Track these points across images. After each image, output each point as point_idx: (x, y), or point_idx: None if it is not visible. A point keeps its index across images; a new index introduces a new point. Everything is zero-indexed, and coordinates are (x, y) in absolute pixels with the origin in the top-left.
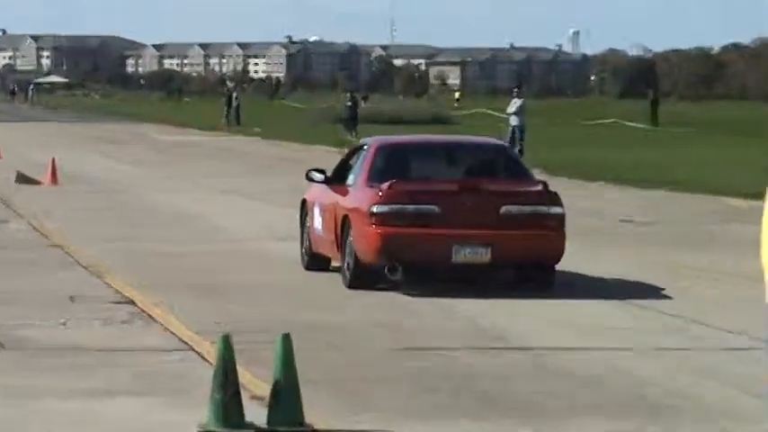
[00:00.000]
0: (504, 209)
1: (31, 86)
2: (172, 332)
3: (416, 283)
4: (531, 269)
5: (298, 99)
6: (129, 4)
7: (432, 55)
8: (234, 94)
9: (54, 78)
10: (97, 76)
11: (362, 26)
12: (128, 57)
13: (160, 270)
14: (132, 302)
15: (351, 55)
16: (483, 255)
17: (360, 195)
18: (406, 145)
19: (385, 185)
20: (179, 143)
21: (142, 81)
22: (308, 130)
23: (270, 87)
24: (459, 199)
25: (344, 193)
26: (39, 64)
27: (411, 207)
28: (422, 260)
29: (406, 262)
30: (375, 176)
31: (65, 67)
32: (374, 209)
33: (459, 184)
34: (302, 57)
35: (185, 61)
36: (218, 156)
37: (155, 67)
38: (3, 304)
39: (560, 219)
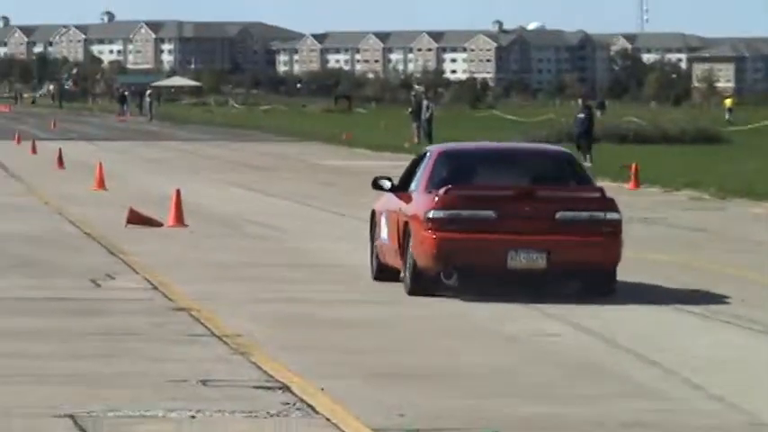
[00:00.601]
0: (559, 214)
1: (148, 92)
2: (341, 429)
3: (473, 288)
4: (592, 277)
5: (511, 108)
6: None
7: (695, 48)
8: (424, 103)
9: (178, 81)
10: (237, 77)
11: (600, 8)
12: (278, 51)
13: (324, 345)
14: (286, 388)
15: (583, 48)
16: (539, 260)
17: (418, 202)
18: (467, 152)
19: (441, 191)
20: (349, 170)
21: (298, 84)
22: None
23: (473, 92)
24: (515, 205)
25: (408, 200)
26: (158, 61)
27: (466, 212)
28: (477, 265)
29: (461, 267)
30: (434, 183)
31: (193, 66)
32: (430, 214)
33: (514, 190)
34: (517, 51)
35: (357, 57)
36: None
37: (315, 65)
38: (115, 388)
39: (617, 225)
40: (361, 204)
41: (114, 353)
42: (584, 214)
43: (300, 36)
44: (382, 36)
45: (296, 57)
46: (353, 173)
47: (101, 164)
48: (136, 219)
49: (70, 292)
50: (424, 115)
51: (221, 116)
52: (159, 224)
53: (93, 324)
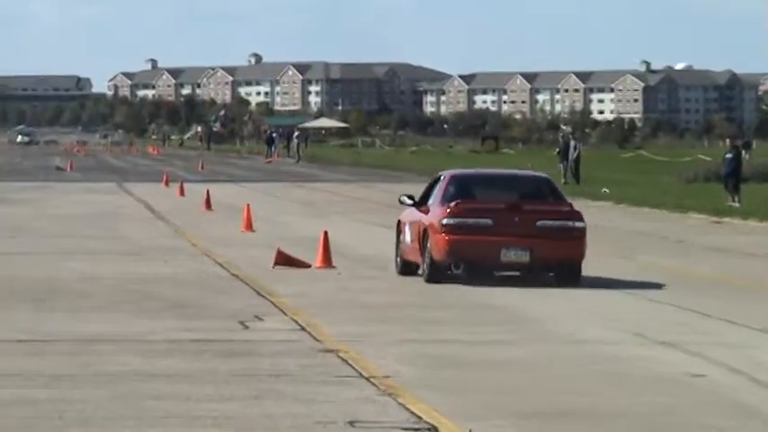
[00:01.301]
0: (539, 222)
1: (296, 134)
2: None
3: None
4: (562, 270)
5: (658, 148)
6: (421, 23)
7: None
8: (572, 143)
9: (326, 122)
10: (384, 118)
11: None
12: (425, 92)
13: (472, 385)
14: (434, 429)
15: (732, 88)
16: (524, 256)
17: (435, 212)
18: (471, 175)
19: (452, 204)
20: None
21: (445, 125)
22: (674, 191)
23: (620, 132)
24: (506, 215)
25: (426, 212)
26: (305, 102)
27: (470, 220)
28: (478, 259)
29: (466, 261)
30: (447, 198)
31: (340, 107)
32: (444, 221)
33: (506, 204)
34: (665, 90)
35: (504, 98)
36: None
37: (462, 106)
38: (263, 429)
39: (582, 231)
40: None
41: (262, 394)
42: (558, 223)
43: (447, 77)
44: (529, 77)
45: (443, 97)
46: None
47: (248, 205)
48: (284, 260)
49: (219, 333)
50: (572, 155)
51: (369, 157)
52: (307, 265)
53: (241, 366)
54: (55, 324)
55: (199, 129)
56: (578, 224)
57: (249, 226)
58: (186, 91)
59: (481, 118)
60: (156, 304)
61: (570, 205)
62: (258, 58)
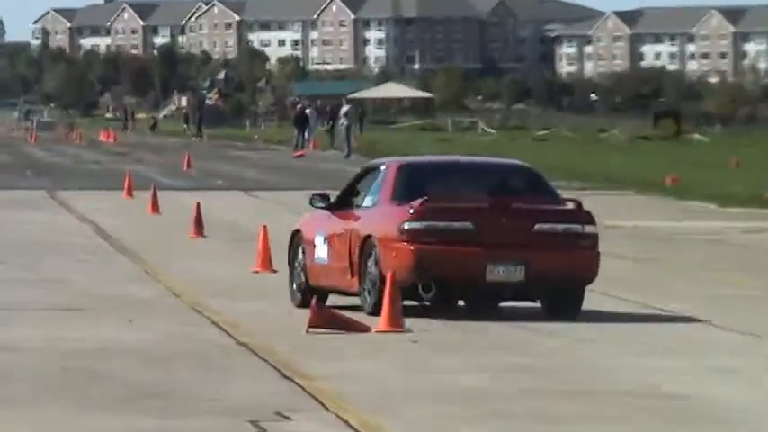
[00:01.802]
0: (537, 226)
1: (344, 110)
2: None
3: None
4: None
5: None
6: None
7: None
8: None
9: (394, 90)
10: (489, 83)
11: None
12: (557, 39)
13: None
14: None
15: None
16: (517, 273)
17: (386, 215)
18: (427, 164)
19: (417, 203)
20: (677, 236)
21: (593, 95)
22: None
23: None
24: (491, 216)
25: (356, 218)
26: (359, 57)
27: (443, 224)
28: (456, 278)
29: (439, 280)
30: (399, 196)
31: (417, 66)
32: (406, 226)
33: (491, 203)
34: None
35: (690, 48)
36: None
37: (620, 64)
38: None
39: (594, 238)
40: (708, 297)
41: None
42: (563, 227)
43: (596, 15)
44: (731, 13)
45: (588, 49)
46: (684, 241)
47: (265, 228)
48: (324, 320)
49: None
50: None
51: (465, 147)
52: (363, 328)
53: None
54: None
55: (183, 101)
56: (589, 229)
57: (266, 264)
58: (162, 39)
59: (652, 82)
60: (111, 392)
61: (577, 203)
62: None
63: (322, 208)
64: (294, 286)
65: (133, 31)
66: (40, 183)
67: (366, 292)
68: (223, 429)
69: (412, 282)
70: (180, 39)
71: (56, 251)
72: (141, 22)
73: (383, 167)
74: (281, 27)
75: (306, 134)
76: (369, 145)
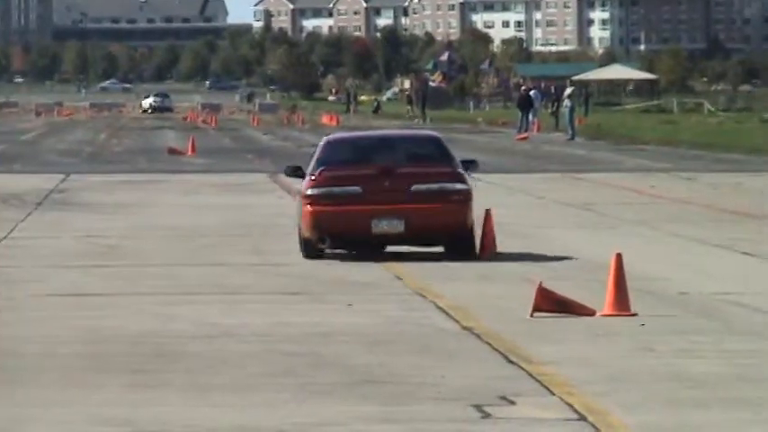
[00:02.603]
0: (414, 187)
1: (567, 92)
2: None
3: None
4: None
5: None
6: None
7: None
8: None
9: (620, 72)
10: (716, 63)
11: None
12: None
13: None
14: None
15: None
16: (398, 226)
17: (303, 183)
18: (348, 139)
19: (316, 172)
20: None
21: None
22: None
23: None
24: (377, 180)
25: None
26: (582, 38)
27: (336, 189)
28: (347, 232)
29: (333, 234)
30: (317, 166)
31: (642, 47)
32: (308, 192)
33: (377, 168)
34: None
35: None
36: None
37: None
38: None
39: (466, 194)
40: None
41: None
42: (435, 186)
43: None
44: None
45: None
46: None
47: (488, 212)
48: (549, 303)
49: (442, 426)
50: None
51: (691, 131)
52: (588, 312)
53: None
54: (165, 411)
55: (406, 84)
56: (459, 186)
57: (490, 245)
58: (385, 20)
59: None
60: (335, 377)
61: (453, 167)
62: None
63: (292, 176)
64: (299, 238)
65: (356, 13)
66: (261, 165)
67: (300, 241)
68: (446, 414)
69: (313, 236)
70: (403, 20)
71: (278, 235)
72: (364, 4)
73: (320, 142)
74: (505, 8)
75: (530, 116)
76: (593, 127)
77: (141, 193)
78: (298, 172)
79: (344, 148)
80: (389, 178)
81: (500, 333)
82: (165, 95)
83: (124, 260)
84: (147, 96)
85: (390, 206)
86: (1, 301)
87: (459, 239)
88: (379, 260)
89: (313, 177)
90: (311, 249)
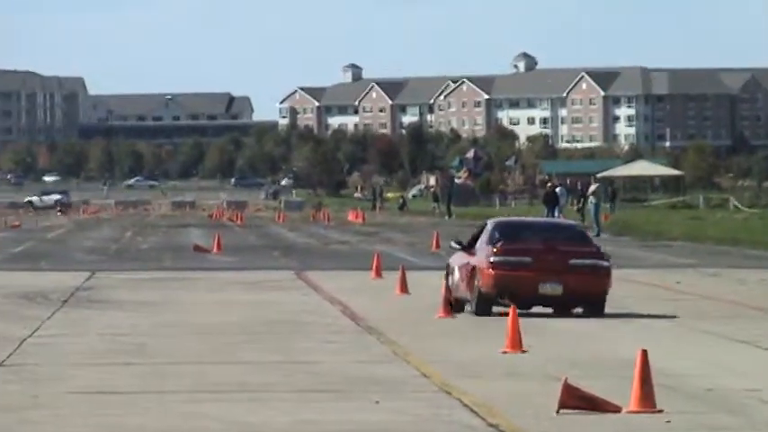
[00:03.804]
0: (572, 261)
1: (592, 188)
2: None
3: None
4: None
5: None
6: None
7: None
8: None
9: (647, 168)
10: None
11: None
12: None
13: None
14: None
15: None
16: (557, 289)
17: (483, 252)
18: (514, 222)
19: (498, 245)
20: None
21: None
22: None
23: None
24: (543, 254)
25: (473, 254)
26: (608, 134)
27: (513, 258)
28: (520, 291)
29: (510, 292)
30: (493, 241)
31: (667, 143)
32: (491, 259)
33: (543, 245)
34: None
35: None
36: None
37: None
38: None
39: (608, 270)
40: None
41: None
42: (587, 261)
43: None
44: None
45: None
46: None
47: (514, 309)
48: (575, 400)
49: None
50: None
51: (717, 227)
52: (615, 408)
53: None
54: None
55: (432, 181)
56: (604, 263)
57: (516, 342)
58: (410, 117)
59: None
60: None
61: (597, 249)
62: (530, 61)
63: (458, 249)
64: (445, 298)
65: (381, 110)
66: (286, 262)
67: (474, 300)
68: None
69: (493, 293)
70: (428, 117)
71: (303, 332)
72: (390, 101)
73: (488, 223)
74: (531, 105)
75: (556, 213)
76: (621, 223)
77: (167, 290)
78: (459, 244)
79: (511, 229)
80: (553, 253)
81: (526, 430)
82: (64, 192)
83: (149, 358)
84: (47, 194)
85: (553, 274)
86: (25, 400)
87: (598, 302)
88: (402, 356)
89: (495, 249)
90: (485, 306)
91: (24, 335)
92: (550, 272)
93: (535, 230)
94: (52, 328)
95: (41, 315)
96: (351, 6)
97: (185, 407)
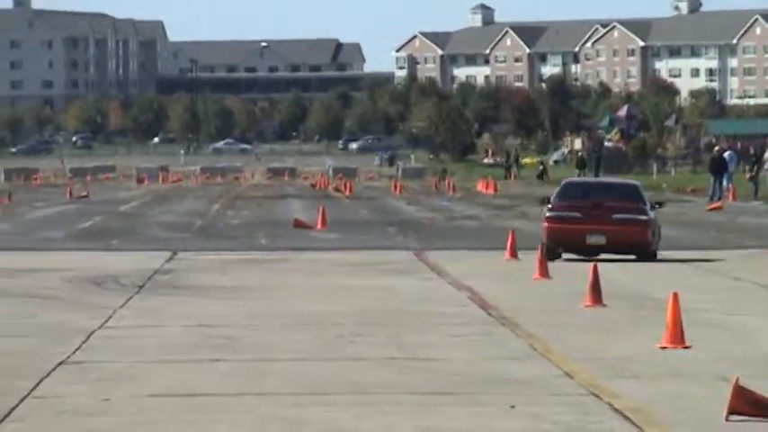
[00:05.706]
0: (614, 215)
1: None
2: None
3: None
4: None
5: None
6: None
7: None
8: None
9: None
10: None
11: None
12: None
13: None
14: None
15: None
16: (601, 240)
17: (547, 209)
18: (576, 182)
19: (554, 203)
20: None
21: None
22: None
23: None
24: (590, 210)
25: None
26: None
27: (564, 213)
28: (570, 242)
29: (562, 243)
30: (557, 198)
31: None
32: (548, 214)
33: (591, 203)
34: None
35: None
36: None
37: None
38: None
39: (647, 222)
40: None
41: None
42: (629, 216)
43: None
44: None
45: None
46: None
47: (675, 295)
48: (745, 405)
49: None
50: None
51: None
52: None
53: None
54: None
55: (577, 144)
56: (642, 217)
57: (677, 337)
58: (551, 69)
59: None
60: None
61: (640, 204)
62: (694, 1)
63: (542, 205)
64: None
65: (517, 60)
66: (406, 242)
67: (543, 248)
68: None
69: (551, 244)
70: (573, 68)
71: (424, 323)
72: (527, 49)
73: (561, 183)
74: (695, 53)
75: (724, 182)
76: None
77: (262, 274)
78: (547, 200)
79: (574, 188)
80: (599, 209)
81: None
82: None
83: (242, 354)
84: None
85: (597, 226)
86: (93, 403)
87: (641, 251)
88: (542, 352)
89: (550, 206)
90: (550, 253)
91: (93, 326)
92: (595, 224)
93: (594, 189)
94: (125, 319)
95: (113, 303)
96: None
97: (285, 412)
